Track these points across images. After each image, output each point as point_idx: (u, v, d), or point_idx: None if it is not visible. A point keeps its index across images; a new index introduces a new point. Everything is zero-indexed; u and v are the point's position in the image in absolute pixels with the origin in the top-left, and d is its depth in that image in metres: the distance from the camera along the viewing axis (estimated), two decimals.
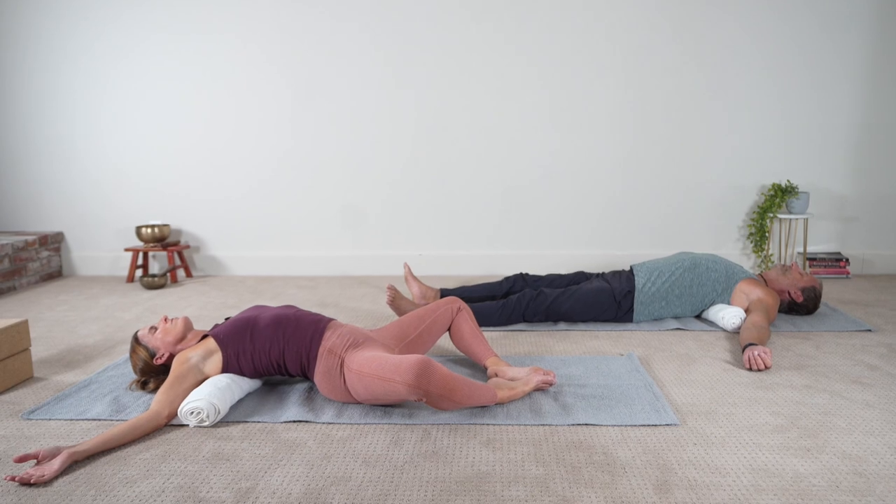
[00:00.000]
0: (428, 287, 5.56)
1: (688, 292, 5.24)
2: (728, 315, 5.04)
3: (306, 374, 3.71)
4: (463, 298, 5.58)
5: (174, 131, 7.41)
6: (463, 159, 7.27)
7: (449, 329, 4.18)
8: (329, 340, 3.65)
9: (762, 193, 7.12)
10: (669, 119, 7.10)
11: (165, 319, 3.87)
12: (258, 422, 3.48)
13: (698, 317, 5.39)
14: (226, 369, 3.72)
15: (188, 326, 3.89)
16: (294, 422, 3.47)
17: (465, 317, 4.17)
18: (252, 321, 3.77)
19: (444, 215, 7.38)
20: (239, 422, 3.48)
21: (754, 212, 7.11)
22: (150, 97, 7.37)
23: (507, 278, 5.67)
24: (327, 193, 7.40)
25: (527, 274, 5.68)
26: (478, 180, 7.30)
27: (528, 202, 7.32)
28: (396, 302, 5.20)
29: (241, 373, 3.73)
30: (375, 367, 3.37)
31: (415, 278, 5.59)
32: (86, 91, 7.40)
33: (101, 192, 7.56)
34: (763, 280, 5.46)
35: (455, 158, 7.28)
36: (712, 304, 5.27)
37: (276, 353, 3.68)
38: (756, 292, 5.15)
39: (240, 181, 7.43)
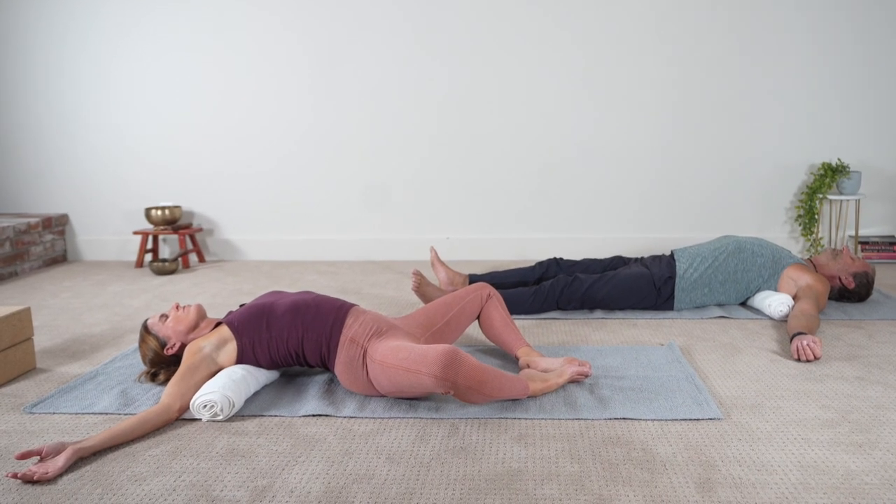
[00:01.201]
0: (456, 272, 5.55)
1: (732, 278, 5.22)
2: (775, 302, 5.01)
3: (326, 365, 3.71)
4: (493, 285, 5.57)
5: (186, 106, 7.42)
6: (494, 136, 7.25)
7: (478, 317, 4.18)
8: (351, 329, 3.65)
9: (811, 173, 7.08)
10: (713, 94, 7.06)
11: (177, 307, 3.88)
12: (275, 416, 3.49)
13: (743, 304, 5.37)
14: (241, 359, 3.72)
15: (201, 314, 3.89)
16: (313, 416, 3.48)
17: (496, 304, 4.16)
18: (268, 308, 3.76)
19: (473, 196, 7.37)
20: (255, 416, 3.49)
21: (803, 192, 7.07)
22: (161, 70, 7.39)
23: (541, 263, 5.65)
24: (349, 172, 7.40)
25: (561, 259, 5.67)
26: (510, 159, 7.29)
27: (563, 182, 7.30)
28: (422, 288, 5.19)
29: (256, 363, 3.74)
30: (400, 357, 3.36)
31: (442, 263, 5.58)
32: (93, 63, 7.42)
33: (108, 171, 7.58)
34: (812, 265, 5.43)
35: (486, 135, 7.26)
36: (758, 290, 5.25)
37: (295, 341, 3.68)
38: (805, 278, 5.13)
39: (256, 159, 7.44)
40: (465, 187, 7.36)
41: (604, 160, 7.23)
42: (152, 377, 3.87)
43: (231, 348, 3.70)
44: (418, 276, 5.16)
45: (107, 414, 3.54)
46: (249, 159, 7.43)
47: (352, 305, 3.82)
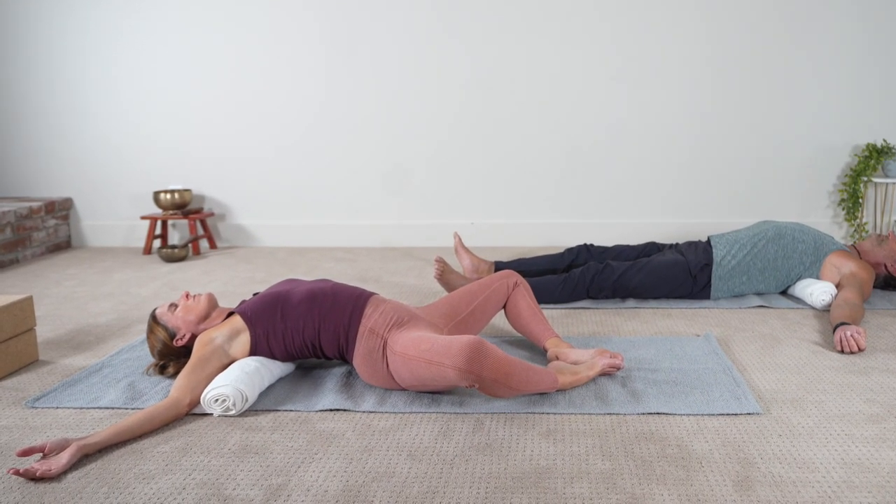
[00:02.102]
0: (481, 259, 5.55)
1: (772, 266, 5.20)
2: (817, 291, 4.99)
3: (344, 357, 3.71)
4: (520, 272, 5.57)
5: (196, 85, 7.43)
6: (520, 116, 7.24)
7: (504, 306, 4.18)
8: (370, 319, 3.64)
9: (855, 155, 7.05)
10: (751, 71, 7.03)
11: (187, 296, 3.88)
12: (290, 410, 3.49)
13: (783, 293, 5.36)
14: (254, 351, 3.72)
15: (212, 304, 3.89)
16: (331, 410, 3.48)
17: (523, 292, 4.16)
18: (283, 297, 3.76)
19: (498, 179, 7.36)
20: (269, 410, 3.49)
21: (846, 175, 7.04)
22: (170, 47, 7.40)
23: (570, 250, 5.65)
24: (368, 154, 7.40)
25: (592, 245, 5.66)
26: (537, 140, 7.28)
27: (592, 164, 7.29)
28: (445, 276, 5.19)
29: (271, 355, 3.74)
30: (422, 349, 3.35)
31: (466, 250, 5.58)
32: (99, 40, 7.43)
33: (114, 153, 7.60)
34: (856, 252, 5.40)
35: (512, 115, 7.25)
36: (799, 278, 5.24)
37: (311, 332, 3.68)
38: (848, 265, 5.10)
39: (270, 141, 7.44)
40: (489, 170, 7.35)
41: (636, 141, 7.21)
42: (161, 370, 3.87)
43: (244, 339, 3.70)
44: (441, 263, 5.16)
45: (113, 408, 3.55)
46: (263, 141, 7.44)
47: (371, 294, 3.82)
